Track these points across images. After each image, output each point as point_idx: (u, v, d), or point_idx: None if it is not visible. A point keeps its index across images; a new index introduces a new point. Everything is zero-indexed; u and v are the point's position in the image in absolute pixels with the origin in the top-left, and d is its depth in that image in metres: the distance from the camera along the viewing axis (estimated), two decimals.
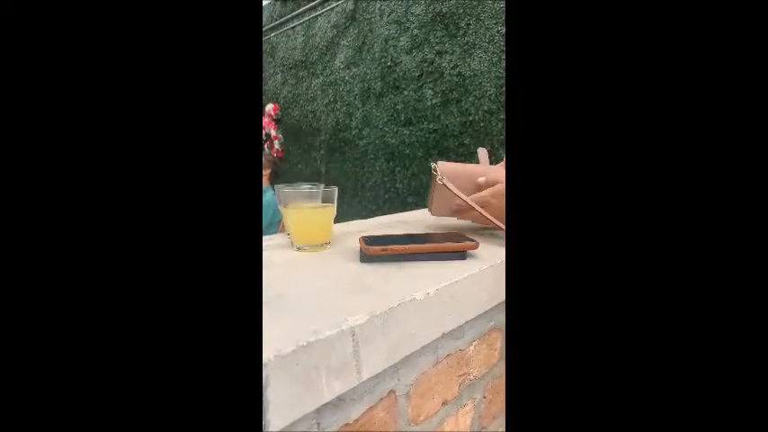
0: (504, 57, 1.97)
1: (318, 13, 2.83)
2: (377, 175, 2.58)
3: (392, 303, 0.34)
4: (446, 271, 0.43)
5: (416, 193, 2.38)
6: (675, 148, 0.24)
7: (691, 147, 0.24)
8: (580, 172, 0.26)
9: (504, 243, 0.56)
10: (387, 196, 2.53)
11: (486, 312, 0.47)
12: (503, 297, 0.48)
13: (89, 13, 0.24)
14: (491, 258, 0.48)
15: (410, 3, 2.30)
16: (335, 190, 0.54)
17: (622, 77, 0.25)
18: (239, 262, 0.25)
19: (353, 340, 0.30)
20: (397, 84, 2.41)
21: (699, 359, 0.23)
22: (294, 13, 3.00)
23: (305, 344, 0.27)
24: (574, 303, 0.26)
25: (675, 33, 0.24)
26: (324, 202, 0.54)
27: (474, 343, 0.48)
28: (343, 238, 0.60)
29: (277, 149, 3.27)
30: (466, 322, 0.43)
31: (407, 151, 2.40)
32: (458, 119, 2.17)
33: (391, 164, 2.49)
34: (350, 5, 2.62)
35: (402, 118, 2.41)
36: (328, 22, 2.78)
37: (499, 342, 0.54)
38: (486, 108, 2.05)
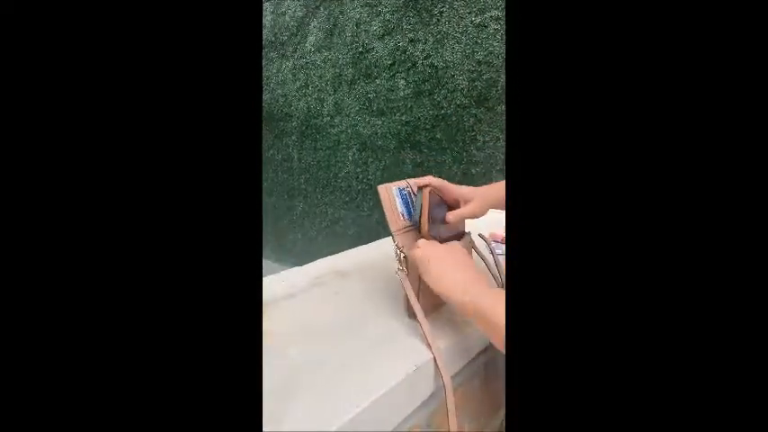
0: (476, 50, 1.91)
1: None
2: (349, 166, 2.54)
3: None
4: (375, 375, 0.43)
5: None
6: (681, 176, 0.24)
7: (690, 168, 0.24)
8: (580, 192, 0.26)
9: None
10: (360, 188, 2.50)
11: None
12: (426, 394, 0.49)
13: (86, 14, 0.24)
14: (415, 357, 0.49)
15: None
16: None
17: (627, 92, 0.25)
18: (237, 269, 0.26)
19: None
20: (369, 71, 2.33)
21: (699, 370, 0.24)
22: None
23: None
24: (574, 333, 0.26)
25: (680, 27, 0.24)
26: None
27: None
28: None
29: None
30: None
31: (380, 143, 2.36)
32: (430, 112, 2.13)
33: (363, 154, 2.45)
34: None
35: (374, 108, 2.34)
36: (298, 1, 2.62)
37: None
38: (458, 102, 2.02)
